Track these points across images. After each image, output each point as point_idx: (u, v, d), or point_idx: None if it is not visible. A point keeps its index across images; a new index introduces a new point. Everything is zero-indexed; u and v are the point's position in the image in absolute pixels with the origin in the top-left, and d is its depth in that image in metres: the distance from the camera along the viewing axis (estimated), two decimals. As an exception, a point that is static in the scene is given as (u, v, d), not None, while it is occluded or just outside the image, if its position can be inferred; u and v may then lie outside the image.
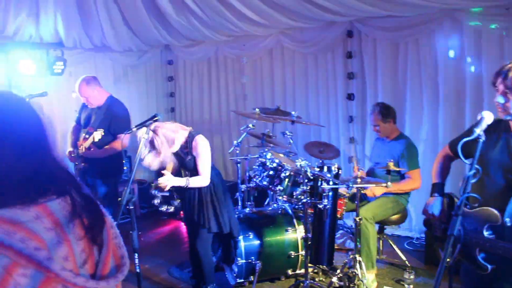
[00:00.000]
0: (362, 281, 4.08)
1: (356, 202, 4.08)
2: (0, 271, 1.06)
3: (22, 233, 1.10)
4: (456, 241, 1.96)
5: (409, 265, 4.60)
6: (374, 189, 4.37)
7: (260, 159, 4.59)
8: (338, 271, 4.28)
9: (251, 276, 4.31)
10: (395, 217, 4.63)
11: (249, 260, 4.26)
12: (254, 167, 4.74)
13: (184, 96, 7.97)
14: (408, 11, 5.07)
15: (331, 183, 3.92)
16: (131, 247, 3.27)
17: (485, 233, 2.15)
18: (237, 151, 5.20)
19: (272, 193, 4.91)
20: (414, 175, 4.46)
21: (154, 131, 3.57)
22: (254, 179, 4.66)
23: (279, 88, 6.74)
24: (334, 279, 4.17)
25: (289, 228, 4.43)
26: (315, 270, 4.59)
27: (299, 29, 6.14)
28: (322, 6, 5.12)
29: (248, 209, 4.79)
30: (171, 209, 3.91)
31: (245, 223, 4.42)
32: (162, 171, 3.68)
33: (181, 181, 3.69)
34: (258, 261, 4.26)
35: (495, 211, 2.10)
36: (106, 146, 4.63)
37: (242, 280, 4.35)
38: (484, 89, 4.85)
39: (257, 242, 4.33)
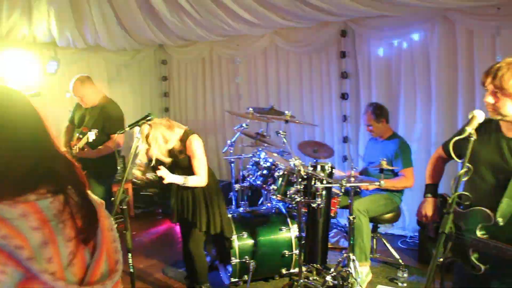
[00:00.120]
0: (356, 279, 4.09)
1: (349, 200, 4.10)
2: None
3: (5, 230, 1.09)
4: (448, 239, 1.97)
5: (402, 263, 4.61)
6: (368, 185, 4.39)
7: (254, 158, 4.60)
8: (332, 270, 4.29)
9: (245, 276, 4.31)
10: (388, 215, 4.65)
11: (243, 260, 4.26)
12: (248, 166, 4.76)
13: (178, 96, 7.96)
14: (401, 11, 5.10)
15: (324, 182, 3.93)
16: (124, 247, 3.28)
17: (478, 233, 2.16)
18: (231, 151, 5.20)
19: (266, 192, 4.92)
20: (408, 174, 4.49)
21: (150, 127, 3.58)
22: (248, 179, 4.67)
23: (273, 88, 6.74)
24: (328, 278, 4.18)
25: (283, 227, 4.44)
26: (309, 269, 4.60)
27: (293, 29, 6.15)
28: (315, 6, 5.13)
29: (242, 208, 4.79)
30: (150, 177, 3.86)
31: (239, 222, 4.42)
32: (159, 166, 3.68)
33: (178, 179, 3.69)
34: (252, 261, 4.27)
35: (488, 211, 2.12)
36: (100, 147, 4.62)
37: (236, 280, 4.35)
38: (476, 88, 4.89)
39: (251, 241, 4.33)
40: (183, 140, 3.77)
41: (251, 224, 4.44)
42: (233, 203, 5.18)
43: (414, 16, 5.16)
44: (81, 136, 4.61)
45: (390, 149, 4.56)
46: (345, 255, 4.21)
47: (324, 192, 3.98)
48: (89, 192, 1.36)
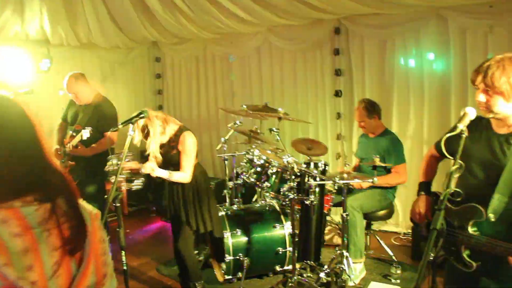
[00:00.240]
0: (349, 276, 4.10)
1: (342, 197, 4.10)
2: None
3: None
4: (439, 236, 1.98)
5: (396, 260, 4.64)
6: (361, 182, 4.40)
7: (247, 156, 4.60)
8: (326, 266, 4.30)
9: (239, 273, 4.31)
10: (382, 212, 4.66)
11: (237, 257, 4.26)
12: (241, 164, 4.76)
13: (172, 94, 7.95)
14: (395, 8, 5.11)
15: (317, 179, 3.94)
16: (118, 244, 3.27)
17: (470, 230, 2.17)
18: (225, 148, 5.20)
19: (259, 189, 4.92)
20: (400, 170, 4.51)
21: (148, 119, 3.60)
22: (242, 176, 4.67)
23: (267, 85, 6.74)
24: (322, 275, 4.19)
25: (277, 224, 4.44)
26: (303, 266, 4.61)
27: (287, 27, 6.15)
28: (309, 4, 5.13)
29: (235, 206, 4.79)
30: (140, 184, 3.86)
31: (233, 219, 4.42)
32: (149, 158, 3.69)
33: (164, 173, 3.70)
34: (246, 258, 4.27)
35: (480, 207, 2.13)
36: (94, 144, 4.61)
37: (230, 277, 4.35)
38: (469, 86, 4.90)
39: (244, 238, 4.33)
40: (177, 135, 3.78)
41: (245, 222, 4.45)
42: (227, 201, 5.17)
43: (407, 13, 5.18)
44: (74, 134, 4.58)
45: (383, 145, 4.57)
46: (338, 252, 4.22)
47: (317, 189, 3.99)
48: (83, 203, 1.35)
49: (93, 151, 4.62)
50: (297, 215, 4.33)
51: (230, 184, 5.04)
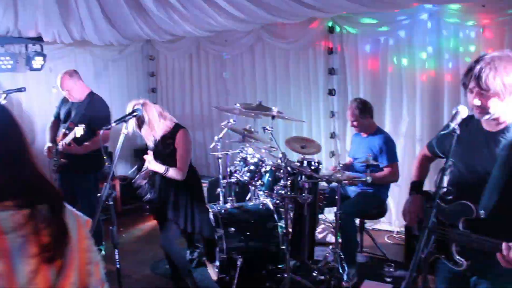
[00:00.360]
0: (342, 274, 4.11)
1: (336, 196, 4.11)
2: None
3: None
4: (431, 234, 1.99)
5: (389, 258, 4.65)
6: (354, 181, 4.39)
7: (241, 154, 4.60)
8: (319, 265, 4.31)
9: (233, 271, 4.31)
10: (375, 211, 4.68)
11: (231, 255, 4.26)
12: (235, 162, 4.76)
13: (166, 92, 7.93)
14: (388, 7, 5.13)
15: (311, 177, 3.94)
16: (111, 243, 3.27)
17: (461, 227, 2.19)
18: (218, 147, 5.20)
19: (253, 188, 4.92)
20: (393, 169, 4.52)
21: (144, 105, 3.67)
22: (235, 174, 4.67)
23: (261, 83, 6.74)
24: (315, 273, 4.20)
25: (270, 223, 4.44)
26: (297, 265, 4.62)
27: (280, 25, 6.16)
28: (303, 2, 5.13)
29: (229, 204, 4.78)
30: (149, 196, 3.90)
31: (226, 218, 4.42)
32: (147, 152, 3.70)
33: (160, 168, 3.70)
34: (239, 256, 4.27)
35: (470, 204, 2.14)
36: (86, 143, 4.59)
37: (223, 275, 4.34)
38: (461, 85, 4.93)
39: (238, 237, 4.33)
40: (173, 132, 3.78)
41: (238, 220, 4.44)
42: (221, 199, 5.17)
43: (400, 12, 5.21)
44: (67, 132, 4.57)
45: (375, 144, 4.58)
46: (332, 250, 4.23)
47: (310, 188, 4.00)
48: (73, 210, 1.31)
49: (86, 149, 4.60)
50: (291, 214, 4.33)
51: (224, 182, 5.03)
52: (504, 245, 1.91)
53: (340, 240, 4.26)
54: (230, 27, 6.26)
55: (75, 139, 4.47)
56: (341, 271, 4.11)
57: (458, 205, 2.19)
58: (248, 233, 4.36)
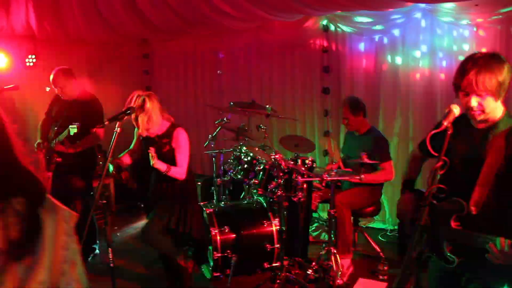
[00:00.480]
0: (337, 272, 4.12)
1: (330, 194, 4.12)
2: None
3: None
4: (423, 232, 2.00)
5: (383, 256, 4.66)
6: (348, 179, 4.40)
7: (235, 152, 4.60)
8: (314, 263, 4.32)
9: (227, 270, 4.32)
10: (369, 209, 4.69)
11: (225, 254, 4.26)
12: (229, 160, 4.76)
13: (161, 90, 7.89)
14: (383, 6, 5.14)
15: (305, 176, 3.95)
16: (104, 242, 3.26)
17: (453, 224, 2.20)
18: (213, 145, 5.20)
19: (247, 186, 4.92)
20: (387, 167, 4.53)
21: (149, 96, 3.72)
22: (229, 173, 4.67)
23: (256, 82, 6.74)
24: (310, 271, 4.21)
25: (265, 221, 4.45)
26: (291, 263, 4.62)
27: (275, 24, 6.15)
28: (298, 1, 5.13)
29: (223, 202, 4.79)
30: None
31: (221, 216, 4.42)
32: (150, 147, 3.70)
33: (162, 166, 3.69)
34: (234, 255, 4.27)
35: (461, 201, 2.15)
36: (79, 141, 4.58)
37: (218, 274, 4.35)
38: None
39: (232, 235, 4.34)
40: (170, 131, 3.78)
41: (233, 218, 4.44)
42: (215, 198, 5.17)
43: (394, 12, 5.22)
44: (60, 130, 4.55)
45: (368, 143, 4.58)
46: (326, 248, 4.24)
47: (304, 186, 4.01)
48: (56, 205, 1.26)
49: (79, 147, 4.59)
50: (285, 212, 4.33)
51: (218, 180, 5.03)
52: (499, 240, 1.92)
53: (333, 238, 4.27)
54: (226, 26, 6.25)
55: (68, 138, 4.45)
56: (335, 269, 4.12)
57: (449, 202, 2.20)
58: (242, 232, 4.36)
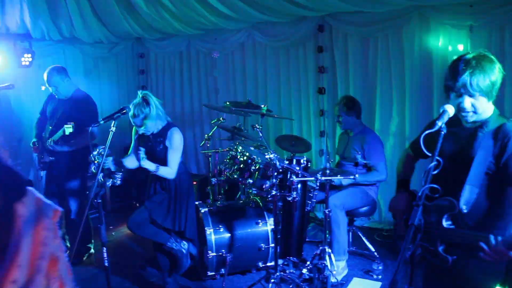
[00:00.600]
0: (331, 272, 4.13)
1: (326, 194, 4.13)
2: None
3: None
4: (417, 231, 2.01)
5: (378, 256, 4.68)
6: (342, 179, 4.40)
7: (230, 152, 4.61)
8: (308, 263, 4.32)
9: (222, 269, 4.32)
10: (364, 208, 4.70)
11: (220, 253, 4.27)
12: (225, 160, 4.76)
13: (156, 90, 7.89)
14: (378, 7, 5.16)
15: (300, 176, 3.95)
16: (100, 241, 3.26)
17: (445, 223, 2.21)
18: (208, 145, 5.19)
19: (242, 186, 4.92)
20: (380, 167, 4.54)
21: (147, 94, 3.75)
22: (225, 172, 4.67)
23: (251, 82, 6.74)
24: (304, 271, 4.22)
25: (260, 220, 4.46)
26: (286, 263, 4.63)
27: (271, 23, 6.16)
28: (293, 1, 5.15)
29: (219, 202, 4.79)
30: (117, 182, 3.83)
31: (216, 216, 4.43)
32: (140, 147, 3.71)
33: (151, 165, 3.69)
34: (228, 254, 4.28)
35: (452, 199, 2.17)
36: (74, 141, 4.57)
37: (213, 273, 4.35)
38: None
39: (227, 235, 4.34)
40: (165, 130, 3.78)
41: (228, 218, 4.45)
42: (210, 197, 5.17)
43: (390, 12, 5.24)
44: (55, 129, 4.55)
45: (362, 143, 4.60)
46: (321, 248, 4.25)
47: (299, 186, 4.01)
48: (39, 199, 1.22)
49: (73, 146, 4.58)
50: (280, 212, 4.34)
51: (213, 180, 5.03)
52: (492, 237, 1.94)
53: (328, 238, 4.28)
54: (221, 26, 6.26)
55: (63, 137, 4.44)
56: (329, 268, 4.13)
57: (441, 201, 2.21)
58: (237, 231, 4.37)
